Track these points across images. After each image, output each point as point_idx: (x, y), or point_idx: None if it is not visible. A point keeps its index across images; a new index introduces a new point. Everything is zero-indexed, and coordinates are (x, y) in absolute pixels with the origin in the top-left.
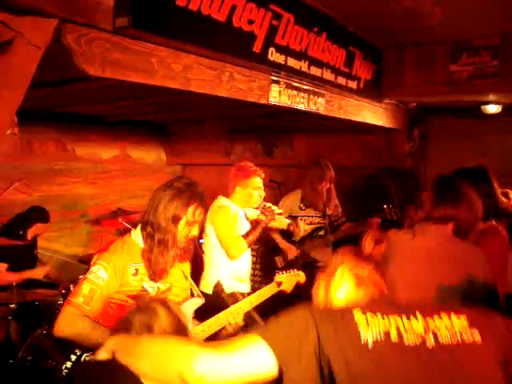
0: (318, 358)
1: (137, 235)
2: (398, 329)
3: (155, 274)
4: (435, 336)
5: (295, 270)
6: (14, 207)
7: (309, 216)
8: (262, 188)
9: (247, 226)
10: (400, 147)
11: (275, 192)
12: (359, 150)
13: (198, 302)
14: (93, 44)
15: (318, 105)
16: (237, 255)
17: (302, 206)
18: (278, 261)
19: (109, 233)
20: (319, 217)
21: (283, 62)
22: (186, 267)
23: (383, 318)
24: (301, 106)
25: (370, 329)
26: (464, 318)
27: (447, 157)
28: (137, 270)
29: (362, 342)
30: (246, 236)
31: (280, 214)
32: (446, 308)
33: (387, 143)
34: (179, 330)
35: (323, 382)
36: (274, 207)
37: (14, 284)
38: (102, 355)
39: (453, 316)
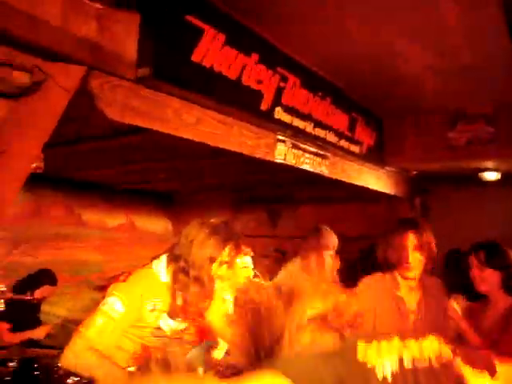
0: None
1: (160, 268)
2: (406, 354)
3: (183, 312)
4: (430, 356)
5: None
6: (20, 270)
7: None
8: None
9: None
10: (403, 216)
11: (280, 261)
12: (363, 220)
13: (214, 344)
14: (115, 91)
15: (323, 167)
16: None
17: (304, 277)
18: None
19: None
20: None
21: (289, 122)
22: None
23: (389, 344)
24: (305, 166)
25: (382, 361)
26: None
27: (448, 227)
28: (155, 305)
29: (380, 378)
30: None
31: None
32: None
33: (391, 212)
34: None
35: None
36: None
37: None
38: None
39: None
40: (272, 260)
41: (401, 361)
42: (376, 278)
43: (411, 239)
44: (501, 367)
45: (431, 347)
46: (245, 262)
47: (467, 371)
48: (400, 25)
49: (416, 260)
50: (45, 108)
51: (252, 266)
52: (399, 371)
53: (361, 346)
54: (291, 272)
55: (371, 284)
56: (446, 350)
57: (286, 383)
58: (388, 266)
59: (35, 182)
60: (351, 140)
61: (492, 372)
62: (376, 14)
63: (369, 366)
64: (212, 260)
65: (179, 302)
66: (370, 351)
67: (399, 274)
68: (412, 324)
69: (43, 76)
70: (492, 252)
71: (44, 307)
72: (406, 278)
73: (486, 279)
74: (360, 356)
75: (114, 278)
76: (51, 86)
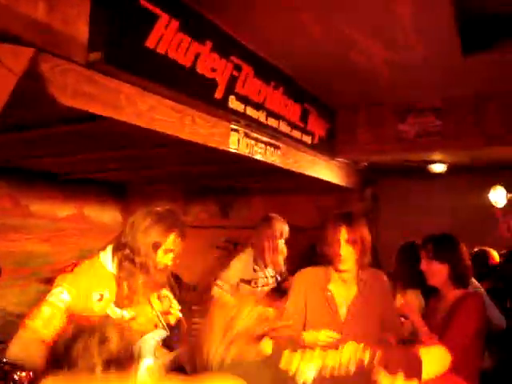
0: None
1: (106, 258)
2: (327, 361)
3: (129, 301)
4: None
5: None
6: None
7: (263, 278)
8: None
9: None
10: (353, 207)
11: (231, 252)
12: (314, 211)
13: (162, 333)
14: (66, 75)
15: (275, 157)
16: None
17: (255, 267)
18: None
19: None
20: (272, 276)
21: (242, 111)
22: (154, 298)
23: (312, 354)
24: (258, 156)
25: (303, 368)
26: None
27: (398, 218)
28: (102, 295)
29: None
30: None
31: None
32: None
33: (341, 203)
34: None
35: None
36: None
37: None
38: None
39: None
40: (223, 250)
41: (321, 369)
42: (308, 271)
43: (343, 233)
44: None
45: (351, 353)
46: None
47: (383, 376)
48: (355, 19)
49: (348, 253)
50: None
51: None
52: (318, 378)
53: (286, 354)
54: (243, 262)
55: (303, 277)
56: (366, 355)
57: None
58: (324, 259)
59: None
60: (303, 130)
61: (416, 374)
62: (331, 6)
63: (290, 373)
64: (156, 246)
65: (125, 290)
66: (294, 359)
67: (333, 267)
68: (342, 318)
69: None
70: (438, 245)
71: None
72: (339, 271)
73: (434, 272)
74: (283, 364)
75: (61, 270)
76: None
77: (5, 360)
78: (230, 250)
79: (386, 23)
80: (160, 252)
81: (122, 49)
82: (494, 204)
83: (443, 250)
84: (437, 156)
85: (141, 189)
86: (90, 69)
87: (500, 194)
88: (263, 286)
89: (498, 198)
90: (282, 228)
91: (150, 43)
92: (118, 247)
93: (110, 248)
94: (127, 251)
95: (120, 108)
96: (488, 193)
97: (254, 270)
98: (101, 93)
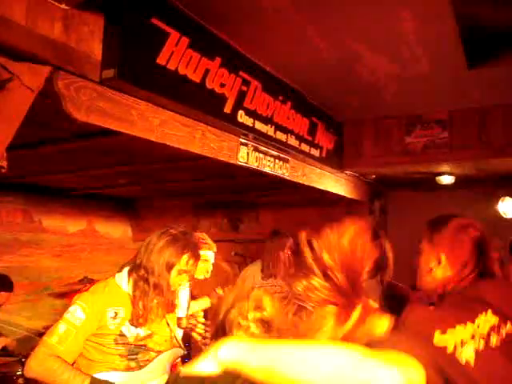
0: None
1: (121, 279)
2: (479, 334)
3: (144, 320)
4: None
5: None
6: None
7: (271, 286)
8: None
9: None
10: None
11: (241, 265)
12: (322, 223)
13: (179, 352)
14: (81, 92)
15: (284, 170)
16: None
17: (262, 276)
18: None
19: None
20: (279, 285)
21: (251, 125)
22: (172, 317)
23: (464, 328)
24: (267, 169)
25: (461, 345)
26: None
27: (406, 230)
28: (116, 313)
29: (463, 363)
30: None
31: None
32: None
33: (349, 216)
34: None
35: None
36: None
37: None
38: (207, 365)
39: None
40: (233, 264)
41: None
42: None
43: None
44: None
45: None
46: (206, 255)
47: None
48: (360, 33)
49: None
50: (10, 107)
51: (212, 261)
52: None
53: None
54: (250, 272)
55: None
56: None
57: None
58: None
59: None
60: (311, 144)
61: None
62: (337, 22)
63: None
64: (169, 266)
65: (140, 309)
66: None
67: None
68: None
69: (9, 75)
70: None
71: (2, 315)
72: None
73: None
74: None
75: (75, 284)
76: (16, 85)
77: (18, 373)
78: (241, 263)
79: (391, 37)
80: (174, 272)
81: (134, 66)
82: (502, 215)
83: None
84: (444, 168)
85: (151, 204)
86: (103, 85)
87: (509, 205)
88: (273, 293)
89: (507, 209)
90: (287, 242)
91: (161, 60)
92: (134, 268)
93: (125, 270)
94: (142, 271)
95: (132, 123)
96: (496, 204)
97: (262, 279)
98: (114, 108)
